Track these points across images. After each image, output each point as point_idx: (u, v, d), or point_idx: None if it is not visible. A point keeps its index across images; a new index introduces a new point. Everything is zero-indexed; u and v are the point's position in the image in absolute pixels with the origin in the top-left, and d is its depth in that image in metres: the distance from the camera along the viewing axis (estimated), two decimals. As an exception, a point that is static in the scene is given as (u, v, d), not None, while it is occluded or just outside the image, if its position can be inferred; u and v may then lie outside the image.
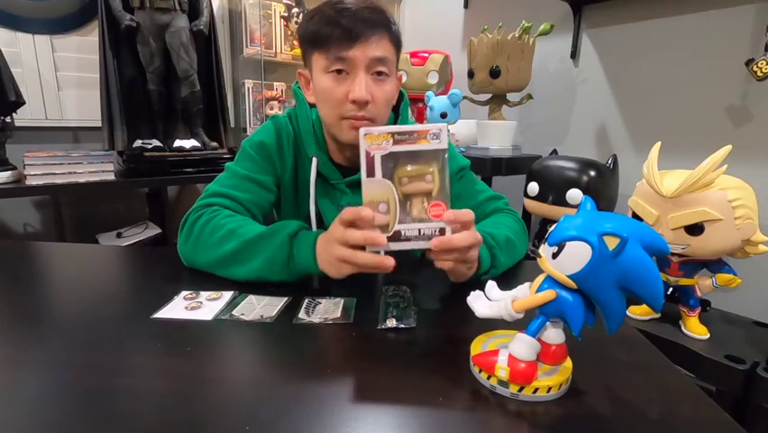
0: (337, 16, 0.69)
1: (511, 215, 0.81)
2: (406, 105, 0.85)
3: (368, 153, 0.52)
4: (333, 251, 0.57)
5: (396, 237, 0.53)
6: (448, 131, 0.54)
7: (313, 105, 0.82)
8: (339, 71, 0.71)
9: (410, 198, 0.53)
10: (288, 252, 0.63)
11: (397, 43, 0.75)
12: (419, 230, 0.53)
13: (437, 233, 0.53)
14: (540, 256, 0.40)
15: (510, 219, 0.78)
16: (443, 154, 0.52)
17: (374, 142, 0.52)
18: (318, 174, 0.81)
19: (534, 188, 1.39)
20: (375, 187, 0.53)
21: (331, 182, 0.82)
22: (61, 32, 1.88)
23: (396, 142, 0.52)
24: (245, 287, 0.63)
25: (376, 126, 0.53)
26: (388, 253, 0.54)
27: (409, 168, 0.53)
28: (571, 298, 0.38)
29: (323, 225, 0.82)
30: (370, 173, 0.53)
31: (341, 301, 0.59)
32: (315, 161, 0.80)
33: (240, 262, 0.65)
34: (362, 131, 0.52)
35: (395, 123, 0.85)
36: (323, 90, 0.73)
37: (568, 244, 0.36)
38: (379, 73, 0.72)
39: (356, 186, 0.83)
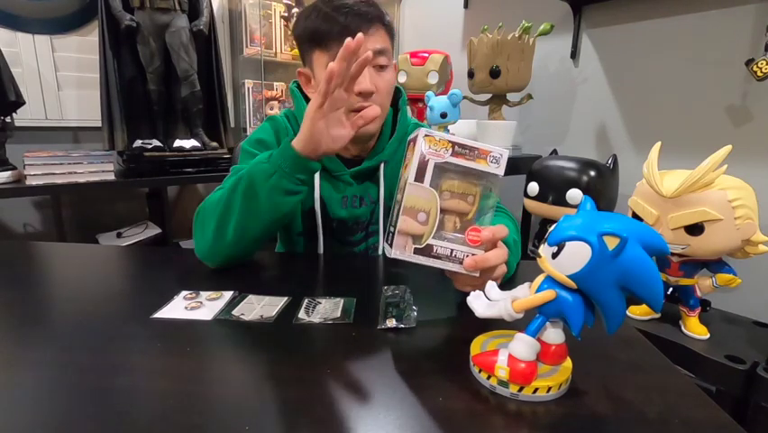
0: (335, 13, 0.71)
1: (507, 215, 0.81)
2: (404, 101, 0.87)
3: (423, 156, 0.49)
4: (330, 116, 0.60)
5: (426, 251, 0.51)
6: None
7: None
8: None
9: (443, 214, 0.51)
10: (267, 155, 0.65)
11: (391, 34, 0.78)
12: (452, 250, 0.51)
13: (468, 257, 0.51)
14: (540, 256, 0.40)
15: (507, 220, 0.78)
16: (496, 180, 0.50)
17: (433, 146, 0.49)
18: (322, 168, 0.81)
19: (534, 188, 1.39)
20: (420, 193, 0.50)
21: (335, 174, 0.83)
22: (61, 32, 1.88)
23: (454, 154, 0.49)
24: (245, 287, 0.63)
25: (434, 131, 0.51)
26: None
27: (456, 183, 0.50)
28: (571, 298, 0.38)
29: (328, 217, 0.83)
30: (419, 178, 0.50)
31: (341, 301, 0.59)
32: None
33: (232, 207, 0.66)
34: (423, 131, 0.49)
35: (394, 118, 0.87)
36: None
37: (568, 244, 0.36)
38: (380, 66, 0.75)
39: (361, 177, 0.84)
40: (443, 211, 0.51)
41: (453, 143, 0.49)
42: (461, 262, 0.51)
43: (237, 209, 0.66)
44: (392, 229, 0.53)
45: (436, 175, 0.50)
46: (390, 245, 0.52)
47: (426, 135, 0.49)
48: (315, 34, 0.73)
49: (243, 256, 0.72)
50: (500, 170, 0.50)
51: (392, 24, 0.78)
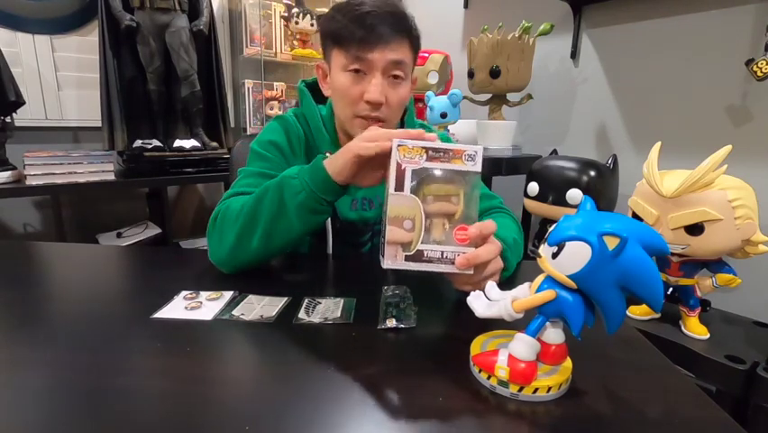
0: (362, 18, 0.70)
1: (508, 215, 0.81)
2: (411, 103, 0.87)
3: (399, 165, 0.50)
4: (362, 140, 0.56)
5: (417, 257, 0.51)
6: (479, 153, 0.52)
7: (321, 102, 0.83)
8: (357, 71, 0.73)
9: (431, 218, 0.51)
10: (297, 169, 0.64)
11: (415, 48, 0.77)
12: (442, 252, 0.51)
13: (458, 256, 0.51)
14: (540, 256, 0.40)
15: (509, 220, 0.78)
16: (476, 177, 0.51)
17: (407, 155, 0.50)
18: None
19: (534, 188, 1.39)
20: (402, 202, 0.50)
21: None
22: (61, 32, 1.88)
23: (429, 159, 0.50)
24: (245, 287, 0.63)
25: (406, 140, 0.51)
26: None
27: (437, 187, 0.50)
28: (571, 298, 0.38)
29: (337, 219, 0.83)
30: (399, 187, 0.50)
31: (341, 301, 0.59)
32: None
33: (258, 217, 0.64)
34: (395, 142, 0.50)
35: (401, 120, 0.86)
36: (339, 87, 0.75)
37: (568, 243, 0.36)
38: (396, 76, 0.74)
39: None
40: (430, 216, 0.51)
41: (427, 149, 0.50)
42: (452, 263, 0.52)
43: (263, 221, 0.65)
44: (382, 240, 0.53)
45: (417, 181, 0.50)
46: (383, 256, 0.52)
47: (399, 145, 0.50)
48: (337, 33, 0.73)
49: (262, 263, 0.71)
50: (477, 167, 0.51)
51: (418, 39, 0.77)
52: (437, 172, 0.50)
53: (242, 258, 0.67)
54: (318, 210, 0.63)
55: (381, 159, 0.59)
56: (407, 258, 0.51)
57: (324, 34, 0.77)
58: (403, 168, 0.50)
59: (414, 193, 0.50)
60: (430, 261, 0.51)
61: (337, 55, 0.74)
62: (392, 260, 0.51)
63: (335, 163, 0.61)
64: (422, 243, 0.51)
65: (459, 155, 0.50)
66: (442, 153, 0.50)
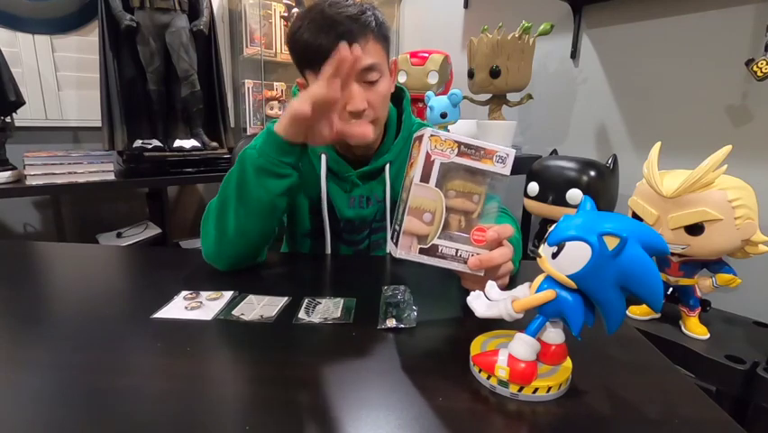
0: (319, 35, 0.69)
1: (507, 215, 0.81)
2: (407, 102, 0.87)
3: (428, 156, 0.49)
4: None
5: (432, 251, 0.51)
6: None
7: None
8: None
9: (449, 213, 0.50)
10: (254, 143, 0.66)
11: (384, 40, 0.75)
12: (456, 250, 0.51)
13: (472, 257, 0.51)
14: (540, 256, 0.40)
15: (509, 219, 0.78)
16: (502, 180, 0.50)
17: (438, 146, 0.49)
18: (328, 169, 0.82)
19: (534, 188, 1.39)
20: (425, 193, 0.50)
21: (342, 176, 0.83)
22: (61, 32, 1.89)
23: (460, 154, 0.49)
24: (245, 287, 0.63)
25: (439, 131, 0.50)
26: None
27: (461, 183, 0.50)
28: (571, 298, 0.38)
29: (336, 218, 0.84)
30: (425, 178, 0.49)
31: (341, 301, 0.59)
32: (324, 157, 0.81)
33: (228, 198, 0.67)
34: (428, 131, 0.49)
35: (398, 118, 0.87)
36: None
37: (568, 243, 0.36)
38: (371, 81, 0.73)
39: (367, 177, 0.84)
40: (448, 210, 0.50)
41: (459, 143, 0.49)
42: (466, 262, 0.51)
43: (233, 198, 0.66)
44: (398, 228, 0.53)
45: (442, 174, 0.49)
46: (396, 245, 0.52)
47: (432, 135, 0.49)
48: (302, 56, 0.73)
49: (249, 253, 0.71)
50: (507, 170, 0.50)
51: (384, 28, 0.75)
52: (465, 168, 0.50)
53: (227, 247, 0.68)
54: (279, 174, 0.65)
55: (324, 115, 0.60)
56: (422, 251, 0.51)
57: (292, 55, 0.76)
58: (432, 159, 0.49)
59: (437, 185, 0.50)
60: (444, 257, 0.51)
61: (310, 76, 0.74)
62: (406, 250, 0.51)
63: (281, 124, 0.63)
64: (438, 237, 0.51)
65: (490, 155, 0.50)
66: (474, 151, 0.49)
